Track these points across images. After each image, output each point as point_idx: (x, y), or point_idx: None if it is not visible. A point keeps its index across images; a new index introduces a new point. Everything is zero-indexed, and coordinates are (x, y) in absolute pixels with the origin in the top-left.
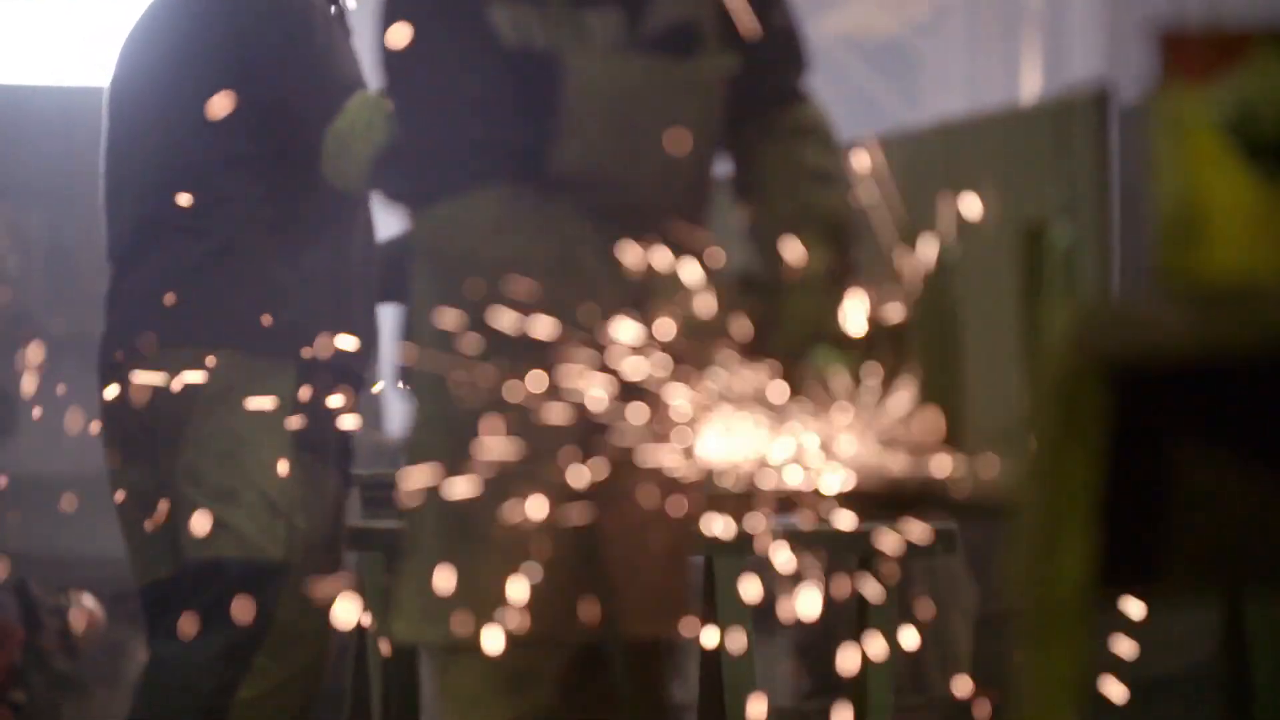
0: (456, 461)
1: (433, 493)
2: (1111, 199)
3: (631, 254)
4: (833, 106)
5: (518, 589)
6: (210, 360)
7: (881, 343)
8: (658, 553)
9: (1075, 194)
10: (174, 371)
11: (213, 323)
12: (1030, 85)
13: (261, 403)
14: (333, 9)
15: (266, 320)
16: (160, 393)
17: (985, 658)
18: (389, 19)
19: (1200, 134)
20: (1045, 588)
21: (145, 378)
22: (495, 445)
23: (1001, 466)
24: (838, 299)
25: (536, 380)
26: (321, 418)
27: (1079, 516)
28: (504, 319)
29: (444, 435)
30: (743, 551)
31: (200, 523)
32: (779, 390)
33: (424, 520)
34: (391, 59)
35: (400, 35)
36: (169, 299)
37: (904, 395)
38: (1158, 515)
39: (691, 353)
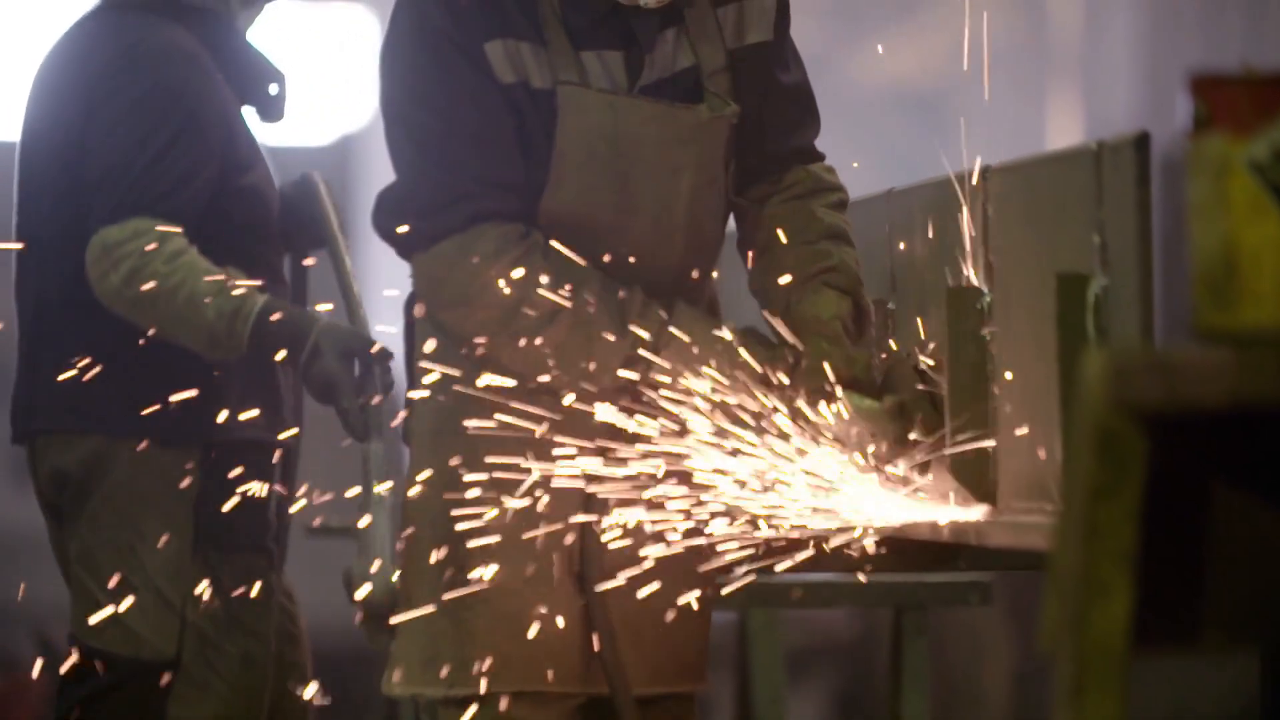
0: (454, 516)
1: (430, 546)
2: (1150, 246)
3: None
4: (870, 157)
5: (519, 642)
6: (109, 448)
7: (909, 392)
8: (667, 606)
9: (1114, 241)
10: (74, 457)
11: (113, 411)
12: (1069, 133)
13: (161, 493)
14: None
15: (169, 408)
16: (61, 476)
17: (1023, 711)
18: (386, 58)
19: (1237, 181)
20: (1083, 639)
21: (48, 459)
22: (496, 499)
23: (1038, 516)
24: (855, 351)
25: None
26: (232, 510)
27: (1116, 567)
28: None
29: (442, 488)
30: (776, 604)
31: (92, 613)
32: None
33: (421, 573)
34: (387, 98)
35: (396, 75)
36: (69, 383)
37: (938, 445)
38: (1194, 568)
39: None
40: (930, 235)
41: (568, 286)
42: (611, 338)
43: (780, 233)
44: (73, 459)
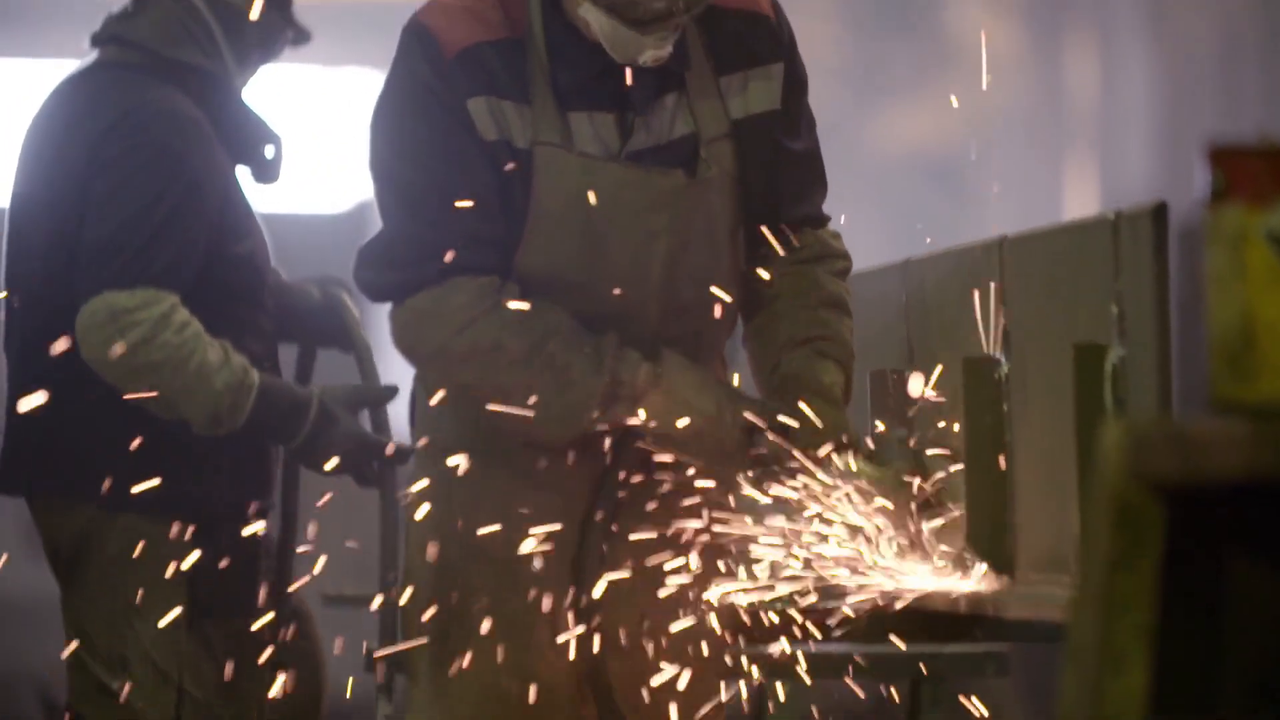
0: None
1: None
2: (1168, 317)
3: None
4: (887, 224)
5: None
6: (100, 521)
7: (907, 460)
8: (666, 671)
9: (1132, 312)
10: (66, 530)
11: (104, 482)
12: (1086, 198)
13: (154, 565)
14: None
15: (162, 481)
16: (56, 547)
17: None
18: (375, 115)
19: (1255, 252)
20: (1101, 711)
21: (43, 527)
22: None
23: (1055, 587)
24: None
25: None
26: (225, 578)
27: (1134, 639)
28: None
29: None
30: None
31: (88, 685)
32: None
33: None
34: (373, 153)
35: (382, 130)
36: (59, 454)
37: (950, 514)
38: (1212, 638)
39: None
40: (947, 305)
41: (541, 333)
42: (586, 380)
43: (783, 299)
44: (65, 532)
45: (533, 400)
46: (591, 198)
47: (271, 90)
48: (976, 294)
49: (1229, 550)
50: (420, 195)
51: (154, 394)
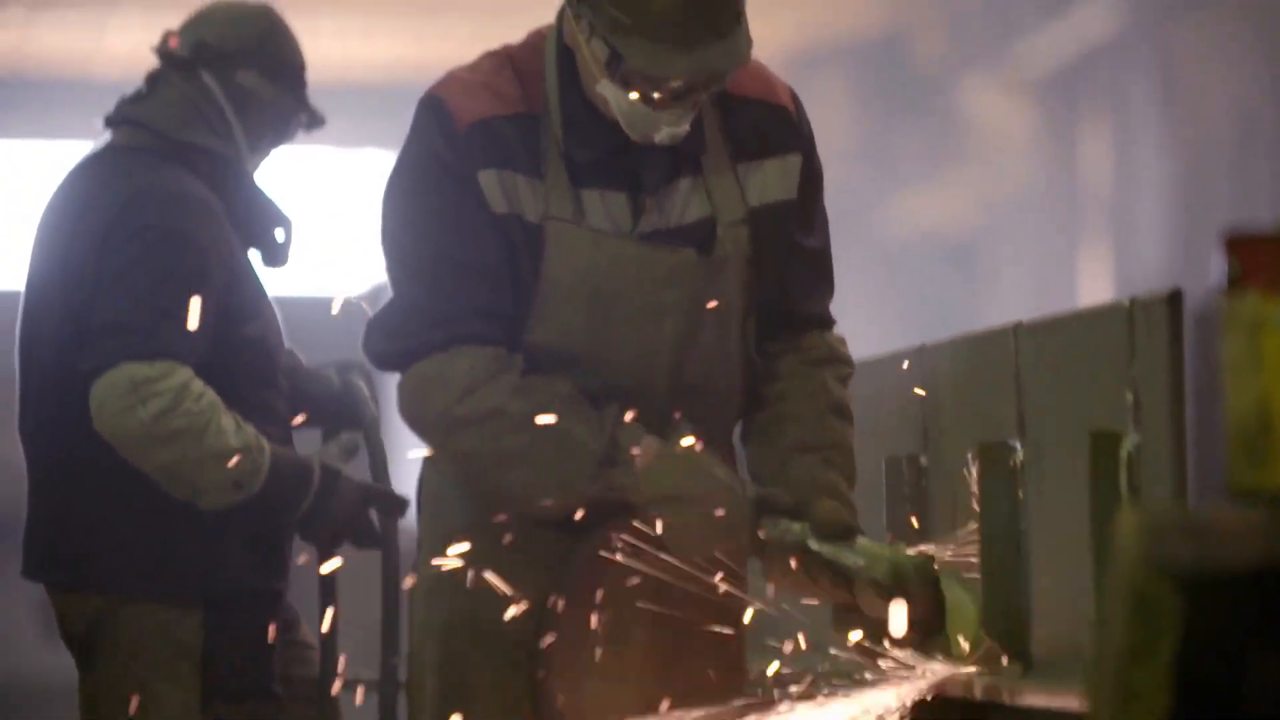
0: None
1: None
2: (1183, 404)
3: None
4: (903, 306)
5: None
6: (112, 608)
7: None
8: None
9: (1147, 399)
10: (79, 619)
11: (114, 569)
12: (1101, 284)
13: (166, 651)
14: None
15: (170, 563)
16: (71, 631)
17: None
18: (388, 186)
19: (1271, 340)
20: None
21: (58, 614)
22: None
23: (1072, 675)
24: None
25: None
26: (237, 660)
27: None
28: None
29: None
30: None
31: None
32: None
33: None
34: (384, 224)
35: (394, 201)
36: (70, 541)
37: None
38: None
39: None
40: (962, 391)
41: (544, 400)
42: (586, 444)
43: (788, 402)
44: (79, 616)
45: (532, 466)
46: (602, 273)
47: (284, 171)
48: (992, 379)
49: (1246, 639)
50: (428, 264)
51: (172, 464)
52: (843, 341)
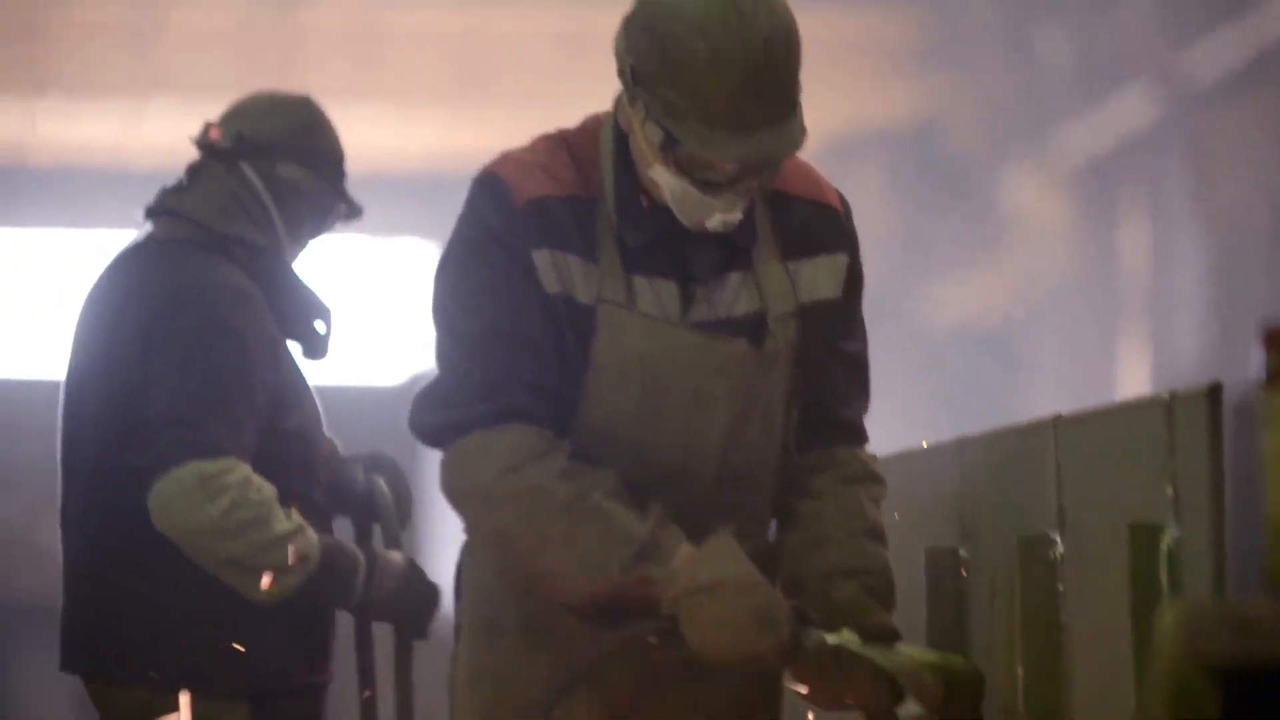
0: None
1: None
2: (1223, 498)
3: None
4: (938, 395)
5: None
6: (155, 701)
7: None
8: None
9: (1187, 492)
10: (125, 707)
11: (159, 661)
12: (1138, 375)
13: None
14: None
15: (218, 658)
16: None
17: None
18: (440, 261)
19: None
20: None
21: (99, 707)
22: None
23: None
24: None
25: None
26: None
27: None
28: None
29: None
30: None
31: None
32: None
33: None
34: (435, 299)
35: (445, 275)
36: (113, 632)
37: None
38: None
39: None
40: (1001, 483)
41: (587, 484)
42: (627, 531)
43: (823, 520)
44: (121, 714)
45: (568, 550)
46: (654, 359)
47: (321, 259)
48: (1031, 472)
49: None
50: (478, 338)
51: (238, 557)
52: (875, 459)
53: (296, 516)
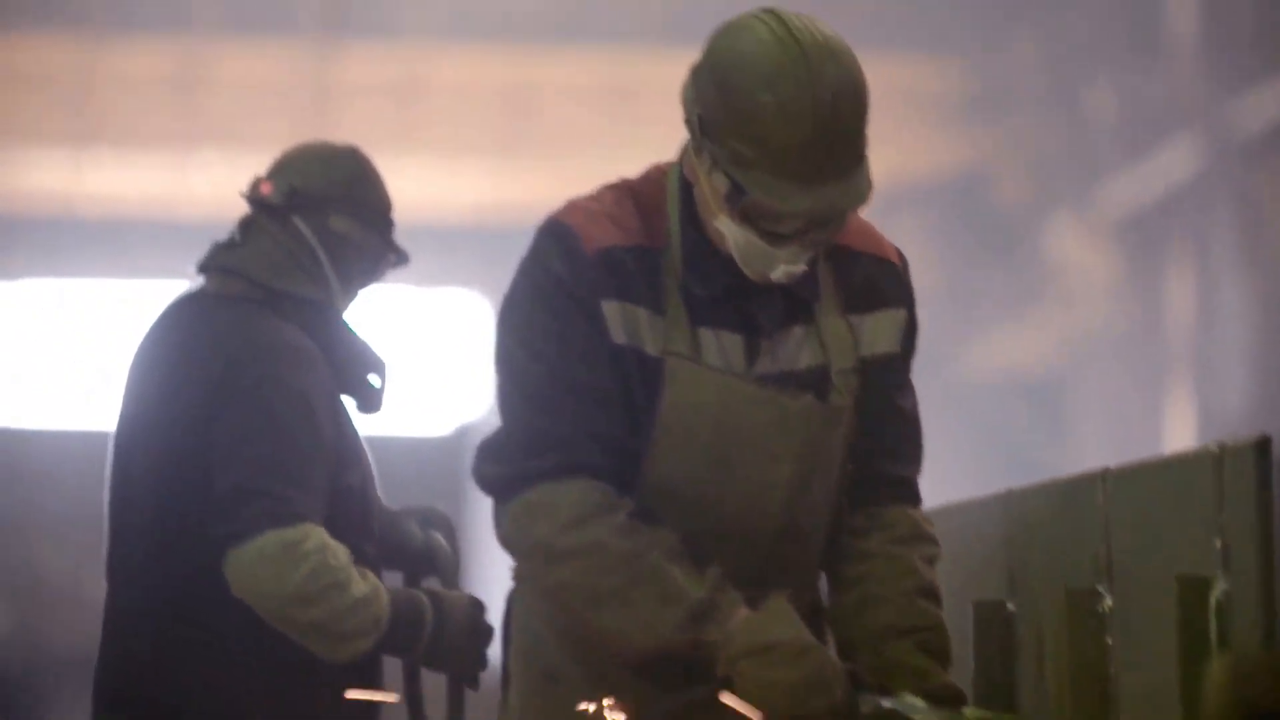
0: None
1: None
2: (1272, 550)
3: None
4: (984, 446)
5: None
6: None
7: None
8: None
9: (1235, 545)
10: None
11: (212, 717)
12: (1184, 428)
13: None
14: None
15: (270, 714)
16: None
17: None
18: (504, 307)
19: None
20: None
21: None
22: None
23: None
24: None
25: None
26: None
27: None
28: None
29: None
30: None
31: None
32: None
33: None
34: (499, 346)
35: (510, 322)
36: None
37: None
38: None
39: None
40: (1049, 536)
41: (647, 543)
42: (684, 591)
43: (876, 580)
44: None
45: (625, 607)
46: (720, 413)
47: (367, 310)
48: (1079, 526)
49: None
50: (543, 389)
51: (320, 621)
52: (928, 521)
53: (371, 577)
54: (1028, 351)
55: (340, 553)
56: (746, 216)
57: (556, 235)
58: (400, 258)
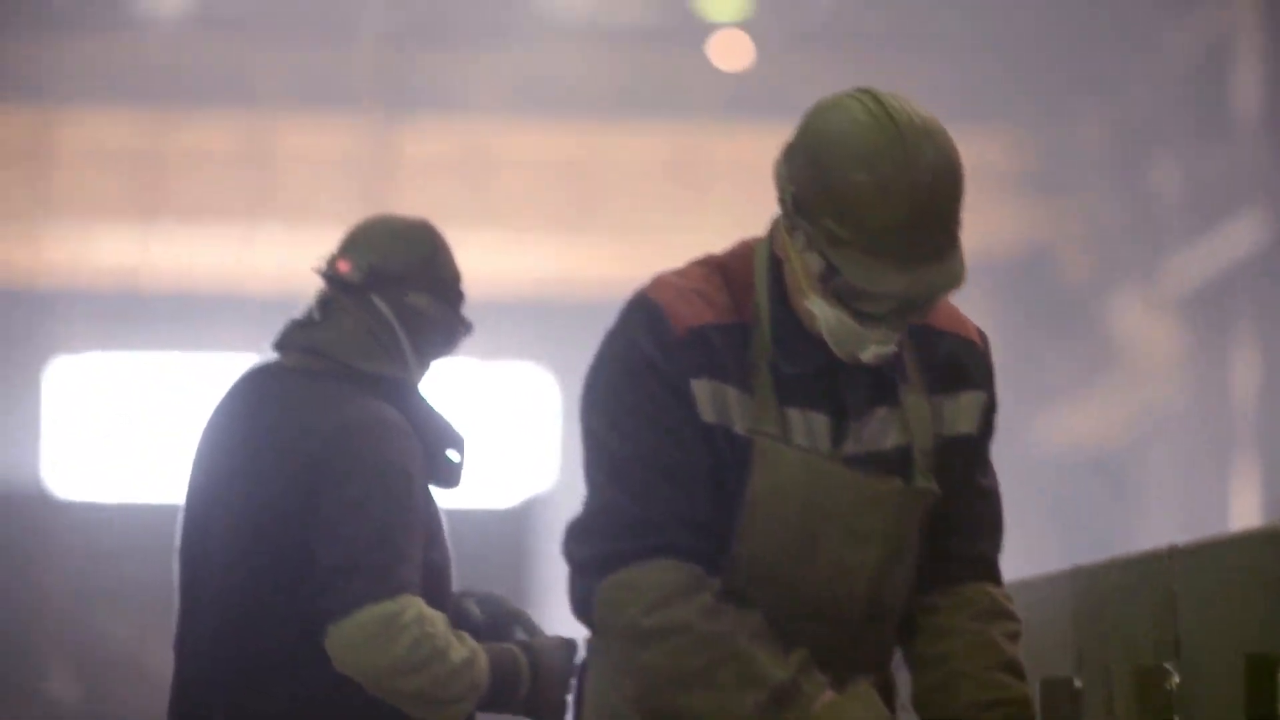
0: None
1: None
2: None
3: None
4: (1050, 525)
5: None
6: None
7: None
8: None
9: None
10: None
11: None
12: (1250, 503)
13: None
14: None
15: None
16: None
17: None
18: (590, 382)
19: None
20: None
21: None
22: None
23: None
24: None
25: None
26: None
27: None
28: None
29: None
30: None
31: None
32: None
33: None
34: (586, 423)
35: (597, 399)
36: None
37: None
38: None
39: None
40: (1117, 613)
41: (733, 625)
42: (769, 675)
43: (957, 657)
44: None
45: (708, 689)
46: (809, 494)
47: (433, 383)
48: (1146, 603)
49: None
50: (634, 468)
51: (424, 689)
52: (1009, 598)
53: (469, 640)
54: (1093, 427)
55: (438, 620)
56: (839, 297)
57: (645, 312)
58: (467, 329)
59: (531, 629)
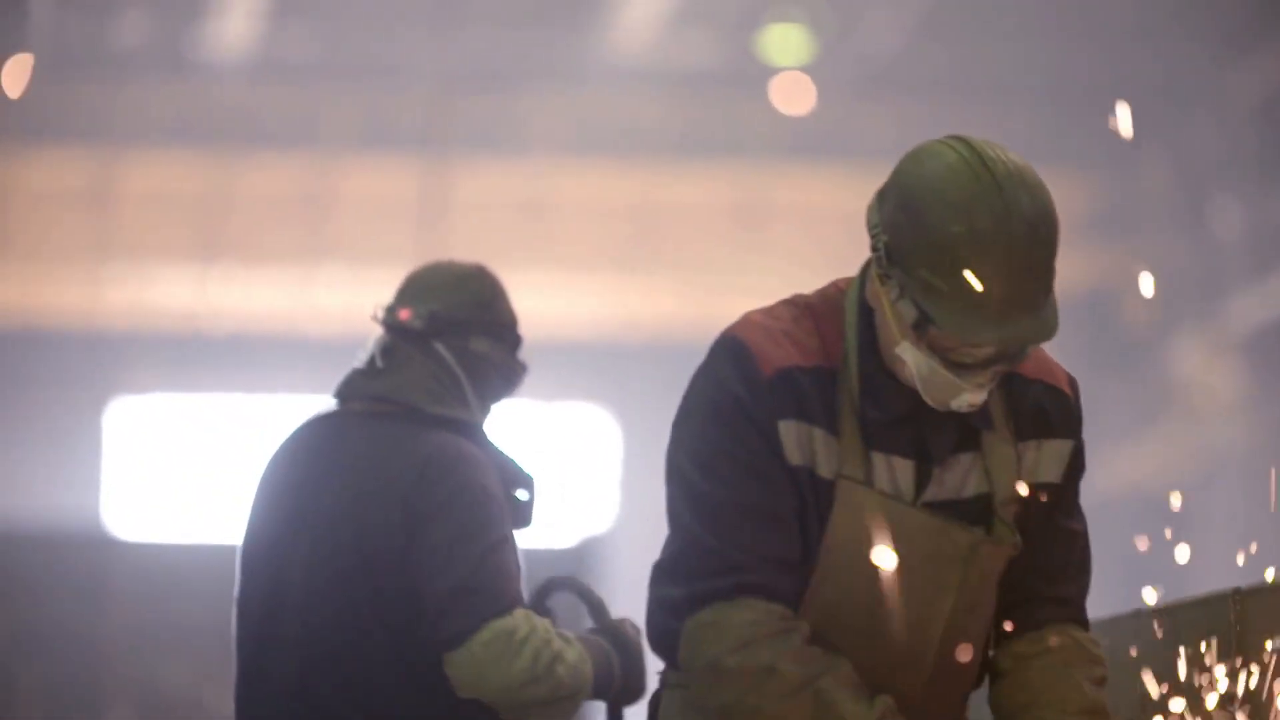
0: None
1: None
2: None
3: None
4: (1111, 564)
5: None
6: None
7: None
8: None
9: None
10: None
11: None
12: None
13: None
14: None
15: None
16: None
17: None
18: (679, 421)
19: None
20: None
21: None
22: None
23: None
24: None
25: None
26: None
27: None
28: None
29: None
30: None
31: None
32: None
33: None
34: (672, 461)
35: (684, 438)
36: None
37: None
38: None
39: None
40: (1181, 656)
41: (819, 668)
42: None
43: (1037, 700)
44: None
45: None
46: (890, 540)
47: (493, 425)
48: (1212, 646)
49: None
50: (722, 509)
51: (551, 692)
52: (1095, 642)
53: (571, 638)
54: (1155, 468)
55: (545, 626)
56: (932, 345)
57: (733, 352)
58: (524, 372)
59: (598, 611)
